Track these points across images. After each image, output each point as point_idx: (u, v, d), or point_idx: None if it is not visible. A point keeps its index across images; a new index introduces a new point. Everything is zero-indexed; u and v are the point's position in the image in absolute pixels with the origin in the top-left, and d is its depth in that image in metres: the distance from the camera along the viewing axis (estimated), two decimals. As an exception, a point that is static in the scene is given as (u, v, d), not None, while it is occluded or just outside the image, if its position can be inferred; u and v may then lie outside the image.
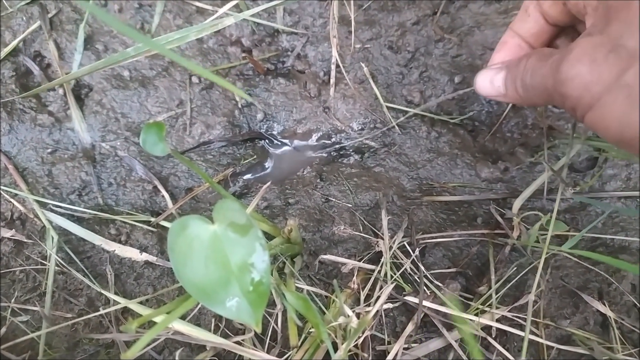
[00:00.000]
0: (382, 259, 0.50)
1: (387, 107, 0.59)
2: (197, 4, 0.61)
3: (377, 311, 0.46)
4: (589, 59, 0.29)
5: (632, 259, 0.53)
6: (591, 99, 0.29)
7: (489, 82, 0.40)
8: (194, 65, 0.24)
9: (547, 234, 0.47)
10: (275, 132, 0.63)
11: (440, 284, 0.50)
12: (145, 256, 0.54)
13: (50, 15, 0.61)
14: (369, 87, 0.60)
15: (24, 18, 0.60)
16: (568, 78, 0.30)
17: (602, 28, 0.30)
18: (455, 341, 0.47)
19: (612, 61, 0.28)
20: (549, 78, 0.33)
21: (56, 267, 0.54)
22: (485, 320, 0.47)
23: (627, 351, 0.47)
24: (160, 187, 0.58)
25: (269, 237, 0.48)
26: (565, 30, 0.39)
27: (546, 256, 0.46)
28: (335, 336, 0.42)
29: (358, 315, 0.46)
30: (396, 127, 0.59)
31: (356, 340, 0.45)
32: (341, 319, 0.40)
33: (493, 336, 0.47)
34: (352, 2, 0.58)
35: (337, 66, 0.60)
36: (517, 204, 0.52)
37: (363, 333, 0.46)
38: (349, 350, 0.43)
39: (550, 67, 0.33)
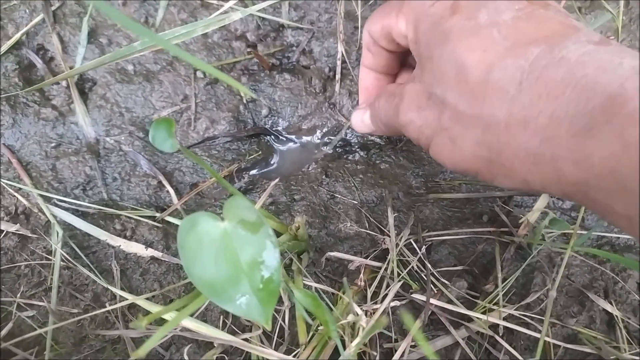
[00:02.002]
0: (389, 257, 0.50)
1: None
2: (202, -3, 0.60)
3: (385, 309, 0.46)
4: (416, 106, 0.33)
5: (637, 257, 0.53)
6: (426, 139, 0.33)
7: (361, 121, 0.44)
8: (198, 61, 0.23)
9: (552, 232, 0.47)
10: (280, 128, 0.63)
11: (447, 282, 0.50)
12: (150, 252, 0.54)
13: (53, 8, 0.60)
14: (375, 83, 0.60)
15: (27, 11, 0.60)
16: (406, 123, 0.34)
17: (419, 75, 0.33)
18: (463, 339, 0.47)
19: (432, 107, 0.32)
20: (394, 120, 0.36)
21: (61, 262, 0.54)
22: (492, 319, 0.47)
23: (634, 350, 0.47)
24: (165, 182, 0.57)
25: (275, 233, 0.48)
26: None
27: (552, 255, 0.46)
28: (344, 334, 0.42)
29: (366, 313, 0.46)
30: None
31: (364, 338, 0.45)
32: (350, 317, 0.40)
33: (500, 334, 0.47)
34: (358, -3, 0.58)
35: (343, 62, 0.60)
36: (534, 215, 0.51)
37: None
38: (356, 348, 0.43)
39: (393, 110, 0.36)
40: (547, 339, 0.49)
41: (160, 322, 0.42)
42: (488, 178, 0.31)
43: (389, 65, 0.42)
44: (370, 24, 0.39)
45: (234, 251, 0.31)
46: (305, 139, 0.63)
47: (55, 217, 0.55)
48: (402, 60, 0.43)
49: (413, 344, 0.47)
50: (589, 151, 0.23)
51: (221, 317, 0.51)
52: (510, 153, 0.27)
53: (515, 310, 0.49)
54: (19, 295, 0.53)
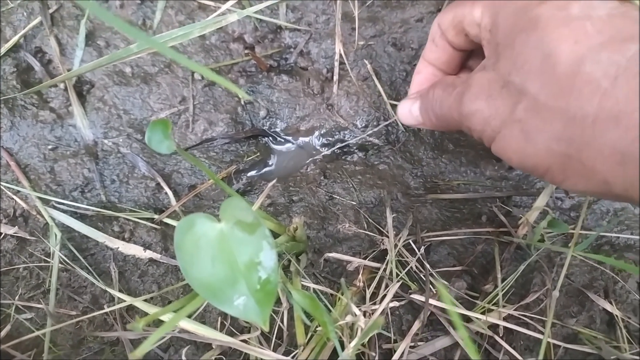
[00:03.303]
0: (387, 257, 0.50)
1: (391, 105, 0.59)
2: (199, 0, 0.61)
3: (384, 309, 0.46)
4: (486, 95, 0.31)
5: (637, 257, 0.53)
6: (492, 132, 0.31)
7: (408, 112, 0.42)
8: (193, 63, 0.23)
9: (551, 232, 0.47)
10: (278, 129, 0.63)
11: (446, 282, 0.50)
12: (149, 253, 0.54)
13: (51, 11, 0.60)
14: (372, 84, 0.60)
15: (25, 14, 0.60)
16: (470, 113, 0.32)
17: (493, 64, 0.32)
18: (462, 340, 0.47)
19: (505, 96, 0.30)
20: (454, 110, 0.34)
21: (60, 265, 0.54)
22: (492, 319, 0.47)
23: (634, 350, 0.47)
24: (163, 184, 0.57)
25: (274, 235, 0.48)
26: (475, 52, 0.41)
27: (551, 255, 0.46)
28: (342, 334, 0.42)
29: (365, 314, 0.46)
30: (400, 124, 0.59)
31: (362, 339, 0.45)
32: (349, 318, 0.40)
33: (500, 335, 0.47)
34: (356, -2, 0.58)
35: (341, 63, 0.60)
36: (533, 215, 0.51)
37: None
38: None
39: (454, 99, 0.34)
40: (548, 338, 0.48)
41: (159, 323, 0.42)
42: (559, 178, 0.29)
43: (450, 62, 0.41)
44: (442, 14, 0.38)
45: (231, 252, 0.31)
46: (303, 140, 0.63)
47: (53, 219, 0.55)
48: (463, 62, 0.42)
49: (412, 344, 0.47)
50: None
51: (219, 318, 0.51)
52: (594, 150, 0.26)
53: (514, 310, 0.49)
54: (17, 297, 0.53)
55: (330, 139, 0.62)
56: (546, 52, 0.27)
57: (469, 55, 0.41)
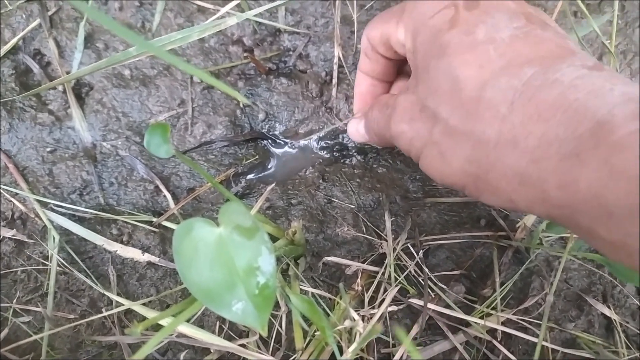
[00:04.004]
0: (386, 261, 0.50)
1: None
2: (198, 2, 0.60)
3: (382, 314, 0.46)
4: (409, 117, 0.33)
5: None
6: (416, 151, 0.33)
7: (356, 131, 0.44)
8: (191, 67, 0.24)
9: (550, 236, 0.47)
10: (277, 132, 0.63)
11: (444, 286, 0.50)
12: (147, 257, 0.54)
13: (50, 13, 0.60)
14: (372, 87, 0.60)
15: (24, 16, 0.60)
16: (396, 135, 0.34)
17: (414, 86, 0.33)
18: (461, 344, 0.47)
19: (425, 119, 0.32)
20: (386, 131, 0.36)
21: (58, 268, 0.53)
22: (490, 323, 0.47)
23: (633, 354, 0.47)
24: (162, 187, 0.57)
25: (272, 238, 0.48)
26: None
27: (550, 259, 0.46)
28: (341, 339, 0.41)
29: (363, 318, 0.46)
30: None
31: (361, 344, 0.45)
32: (347, 322, 0.40)
33: (498, 339, 0.47)
34: (354, 2, 0.58)
35: (340, 66, 0.60)
36: (531, 219, 0.51)
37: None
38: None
39: (385, 121, 0.36)
40: (545, 343, 0.48)
41: (157, 327, 0.41)
42: (474, 194, 0.31)
43: (386, 72, 0.42)
44: (370, 29, 0.39)
45: (229, 257, 0.31)
46: (302, 143, 0.63)
47: (51, 222, 0.55)
48: (398, 68, 0.43)
49: (410, 349, 0.47)
50: (576, 176, 0.23)
51: (218, 322, 0.51)
52: (497, 172, 0.27)
53: (513, 314, 0.49)
54: (15, 300, 0.53)
55: (329, 142, 0.62)
56: (454, 78, 0.29)
57: (405, 61, 0.42)
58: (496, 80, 0.27)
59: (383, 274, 0.50)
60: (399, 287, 0.49)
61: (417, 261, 0.50)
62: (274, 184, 0.51)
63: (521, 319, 0.48)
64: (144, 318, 0.46)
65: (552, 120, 0.24)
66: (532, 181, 0.25)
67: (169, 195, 0.57)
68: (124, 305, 0.47)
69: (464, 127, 0.28)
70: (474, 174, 0.29)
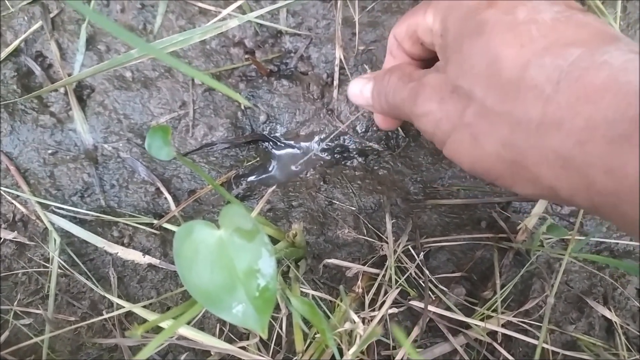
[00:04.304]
0: (387, 263, 0.50)
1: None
2: (200, 4, 0.61)
3: (382, 316, 0.46)
4: (438, 97, 0.31)
5: (636, 263, 0.53)
6: (443, 135, 0.31)
7: (359, 92, 0.41)
8: (191, 69, 0.24)
9: (550, 238, 0.47)
10: (278, 134, 0.63)
11: (445, 289, 0.50)
12: (148, 259, 0.54)
13: (52, 15, 0.60)
14: (373, 89, 0.60)
15: (26, 18, 0.60)
16: (422, 114, 0.32)
17: (444, 67, 0.32)
18: (461, 346, 0.47)
19: (455, 100, 0.30)
20: (407, 105, 0.34)
21: (59, 270, 0.53)
22: (491, 326, 0.47)
23: (633, 357, 0.47)
24: (162, 189, 0.57)
25: (273, 240, 0.48)
26: (433, 61, 0.41)
27: (551, 261, 0.46)
28: (341, 341, 0.41)
29: (364, 321, 0.46)
30: (399, 129, 0.59)
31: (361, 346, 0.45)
32: (347, 325, 0.40)
33: (499, 341, 0.47)
34: (356, 3, 0.58)
35: (341, 68, 0.60)
36: (532, 221, 0.51)
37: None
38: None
39: (409, 95, 0.34)
40: (545, 345, 0.48)
41: (158, 330, 0.41)
42: (509, 182, 0.29)
43: None
44: (396, 27, 0.39)
45: (229, 259, 0.31)
46: (303, 144, 0.63)
47: (53, 224, 0.55)
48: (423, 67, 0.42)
49: (411, 351, 0.47)
50: (624, 160, 0.22)
51: (218, 325, 0.51)
52: (538, 155, 0.26)
53: (513, 317, 0.49)
54: (15, 303, 0.53)
55: (330, 143, 0.62)
56: (492, 57, 0.27)
57: (428, 65, 0.41)
58: (540, 59, 0.26)
59: (384, 276, 0.50)
60: (399, 289, 0.49)
61: (418, 263, 0.50)
62: (275, 186, 0.51)
63: (522, 321, 0.48)
64: (144, 320, 0.46)
65: (601, 101, 0.23)
66: (576, 165, 0.24)
67: (169, 198, 0.57)
68: (124, 307, 0.47)
69: (501, 108, 0.27)
70: (510, 160, 0.28)
